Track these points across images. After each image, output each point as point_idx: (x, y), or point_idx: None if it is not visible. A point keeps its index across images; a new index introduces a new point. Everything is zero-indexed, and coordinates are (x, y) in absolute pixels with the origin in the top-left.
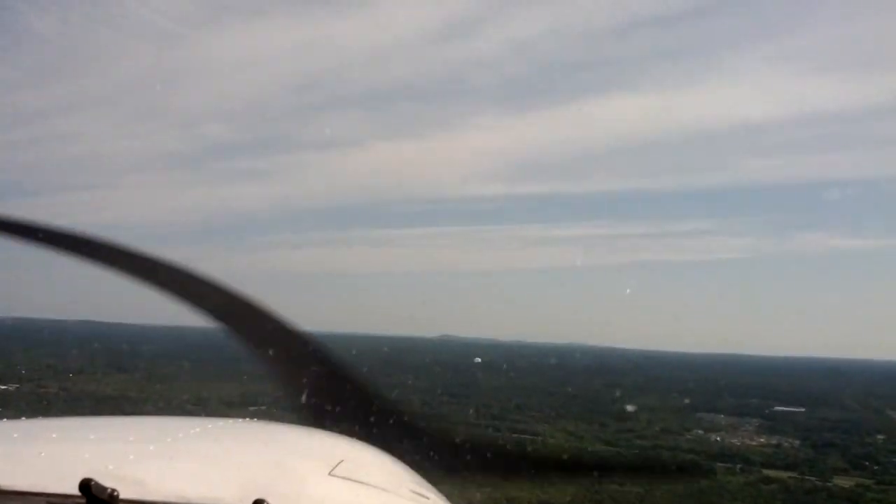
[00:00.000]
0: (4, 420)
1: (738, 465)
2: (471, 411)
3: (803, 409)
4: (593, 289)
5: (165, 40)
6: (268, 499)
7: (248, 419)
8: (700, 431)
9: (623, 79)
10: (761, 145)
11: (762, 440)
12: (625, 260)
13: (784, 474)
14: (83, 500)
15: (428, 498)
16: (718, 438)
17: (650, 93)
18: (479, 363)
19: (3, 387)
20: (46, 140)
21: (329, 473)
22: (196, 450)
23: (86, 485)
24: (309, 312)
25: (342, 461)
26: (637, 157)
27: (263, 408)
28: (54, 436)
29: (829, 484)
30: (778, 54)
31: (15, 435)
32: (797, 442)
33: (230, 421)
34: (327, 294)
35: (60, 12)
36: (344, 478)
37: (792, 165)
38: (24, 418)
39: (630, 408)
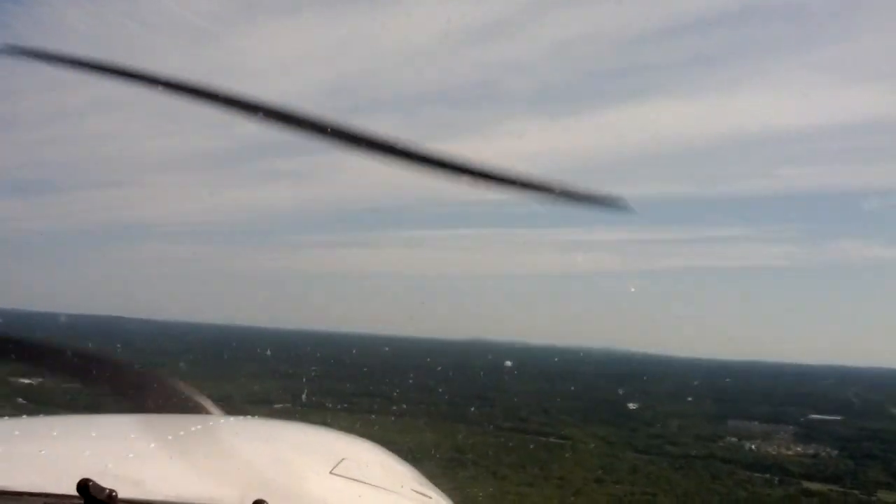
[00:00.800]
0: (3, 418)
1: (776, 477)
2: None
3: (840, 418)
4: (626, 293)
5: (200, 38)
6: (268, 498)
7: (249, 416)
8: (734, 439)
9: (660, 84)
10: (799, 153)
11: (799, 449)
12: (659, 265)
13: (825, 487)
14: (81, 501)
15: (430, 497)
16: (753, 447)
17: (687, 99)
18: (508, 366)
19: (27, 380)
20: (80, 137)
21: (330, 472)
22: (196, 448)
23: (84, 485)
24: (340, 313)
25: (344, 459)
26: (673, 162)
27: (288, 405)
28: (53, 434)
29: (874, 499)
30: (817, 62)
31: (13, 434)
32: (835, 452)
33: (231, 419)
34: (358, 295)
35: (95, 8)
36: (345, 476)
37: (830, 174)
38: (24, 416)
39: (632, 406)
